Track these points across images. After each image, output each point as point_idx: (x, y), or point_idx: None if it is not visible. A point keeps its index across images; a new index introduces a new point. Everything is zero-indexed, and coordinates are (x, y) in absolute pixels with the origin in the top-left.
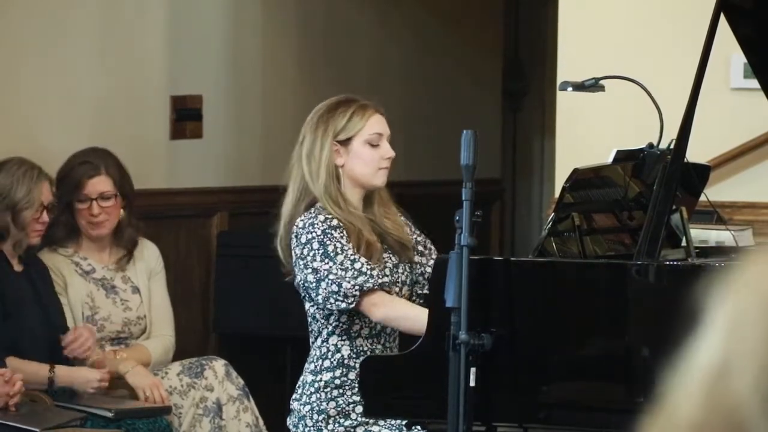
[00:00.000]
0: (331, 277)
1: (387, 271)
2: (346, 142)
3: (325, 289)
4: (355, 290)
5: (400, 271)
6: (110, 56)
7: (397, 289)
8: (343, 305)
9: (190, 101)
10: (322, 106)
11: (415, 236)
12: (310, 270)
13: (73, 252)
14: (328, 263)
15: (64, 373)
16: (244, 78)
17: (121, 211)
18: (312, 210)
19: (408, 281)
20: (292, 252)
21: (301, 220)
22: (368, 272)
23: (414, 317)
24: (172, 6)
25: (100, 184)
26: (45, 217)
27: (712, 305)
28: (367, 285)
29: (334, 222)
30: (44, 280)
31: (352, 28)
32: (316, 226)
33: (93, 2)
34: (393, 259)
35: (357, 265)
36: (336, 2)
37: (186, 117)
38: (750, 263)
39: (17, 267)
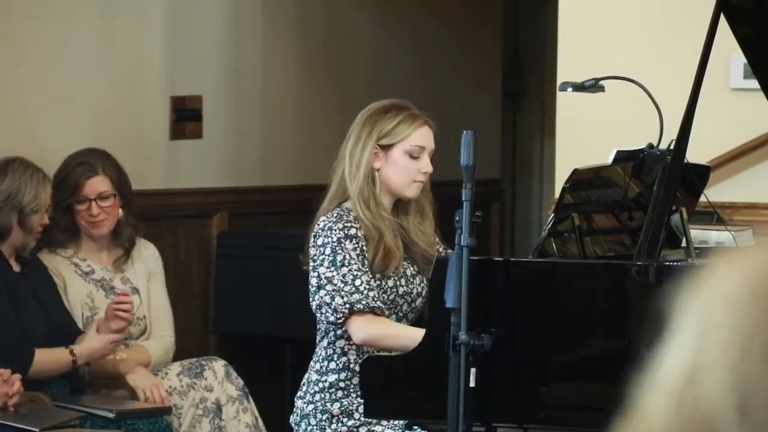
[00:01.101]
0: (329, 287)
1: (403, 281)
2: (387, 148)
3: (321, 297)
4: (345, 308)
5: (417, 281)
6: (110, 56)
7: (410, 300)
8: (332, 318)
9: (190, 102)
10: (374, 105)
11: (439, 248)
12: (316, 274)
13: (73, 253)
14: (332, 272)
15: (82, 352)
16: (244, 78)
17: (120, 210)
18: (336, 210)
19: (423, 294)
20: (309, 248)
21: (323, 221)
22: (365, 292)
23: (393, 335)
24: (172, 6)
25: (98, 184)
26: (45, 219)
27: (679, 309)
28: (358, 306)
29: (352, 231)
30: (43, 280)
31: (352, 28)
32: (333, 231)
33: (93, 2)
34: (412, 269)
35: (357, 283)
36: (336, 2)
37: (186, 117)
38: (715, 265)
39: (15, 267)
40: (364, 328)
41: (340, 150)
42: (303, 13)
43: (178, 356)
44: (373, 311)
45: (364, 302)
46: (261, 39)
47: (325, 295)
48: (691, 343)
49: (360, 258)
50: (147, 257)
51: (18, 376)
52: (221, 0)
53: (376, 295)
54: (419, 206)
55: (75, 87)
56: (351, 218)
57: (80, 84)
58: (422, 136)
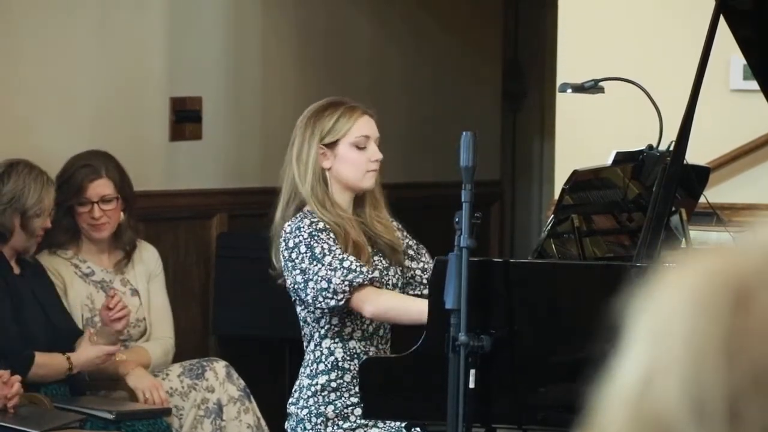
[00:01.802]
0: (320, 274)
1: (377, 274)
2: (332, 145)
3: (314, 287)
4: (345, 286)
5: (391, 273)
6: (110, 57)
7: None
8: (333, 302)
9: (190, 103)
10: (312, 107)
11: (406, 240)
12: (298, 271)
13: (73, 254)
14: (316, 265)
15: (78, 360)
16: (244, 79)
17: (121, 213)
18: (299, 214)
19: (399, 284)
20: (281, 255)
21: (289, 225)
22: (357, 269)
23: (401, 307)
24: (171, 6)
25: (101, 187)
26: (48, 223)
27: (635, 312)
28: (357, 280)
29: (320, 225)
30: (43, 282)
31: (352, 29)
32: (302, 229)
33: (93, 2)
34: (383, 262)
35: (346, 264)
36: (336, 3)
37: (185, 118)
38: (671, 267)
39: (16, 269)
40: (372, 301)
41: (286, 157)
42: (303, 13)
43: (177, 357)
44: (372, 282)
45: (361, 276)
46: (261, 39)
47: (320, 281)
48: (646, 349)
49: (337, 244)
50: (147, 259)
51: (17, 377)
52: (221, 0)
53: (369, 269)
54: (372, 197)
55: (75, 87)
56: (315, 217)
57: (80, 84)
58: (364, 126)
